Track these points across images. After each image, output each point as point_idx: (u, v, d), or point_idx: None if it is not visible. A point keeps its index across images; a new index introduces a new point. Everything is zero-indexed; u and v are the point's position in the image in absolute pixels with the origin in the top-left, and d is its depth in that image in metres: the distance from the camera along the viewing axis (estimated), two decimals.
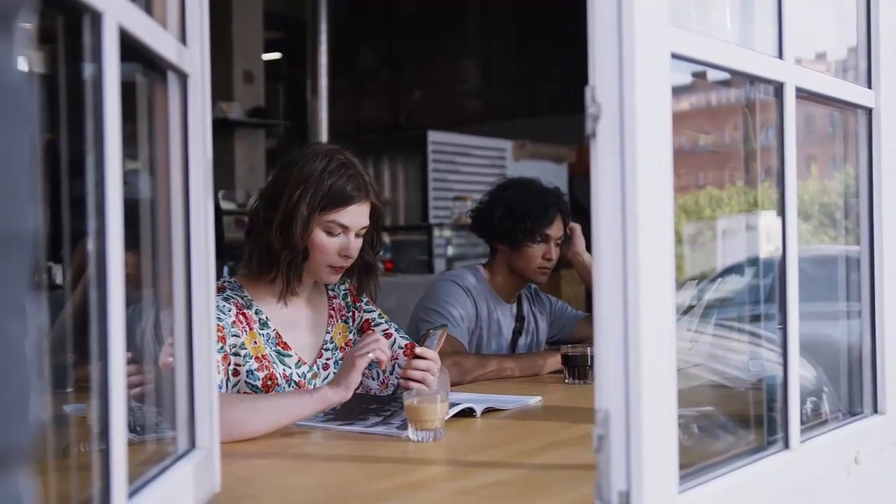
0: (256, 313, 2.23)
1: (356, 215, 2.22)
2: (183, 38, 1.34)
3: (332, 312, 2.40)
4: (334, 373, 2.31)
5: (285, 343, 2.25)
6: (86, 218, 1.01)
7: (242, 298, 2.22)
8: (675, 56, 1.24)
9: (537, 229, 2.96)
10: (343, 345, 2.38)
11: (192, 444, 1.36)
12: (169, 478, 1.23)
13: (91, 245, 1.01)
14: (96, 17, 0.98)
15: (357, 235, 2.24)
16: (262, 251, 2.21)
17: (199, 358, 1.37)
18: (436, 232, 7.45)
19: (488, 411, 2.16)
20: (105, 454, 1.00)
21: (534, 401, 2.34)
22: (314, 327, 2.35)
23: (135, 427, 1.34)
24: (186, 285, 1.36)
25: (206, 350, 1.38)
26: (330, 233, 2.20)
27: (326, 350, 2.34)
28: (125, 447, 1.02)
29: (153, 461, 1.27)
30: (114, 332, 1.00)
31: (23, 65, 0.55)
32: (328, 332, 2.37)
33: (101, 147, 0.99)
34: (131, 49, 1.10)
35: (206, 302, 1.38)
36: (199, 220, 1.36)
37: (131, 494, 1.07)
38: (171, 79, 1.33)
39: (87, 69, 1.00)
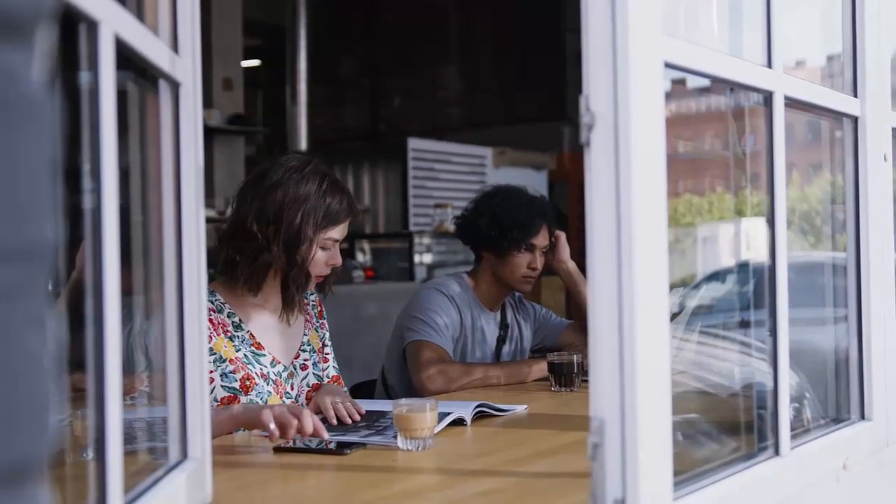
0: (229, 316, 2.26)
1: (345, 228, 2.32)
2: (175, 47, 1.33)
3: (308, 317, 2.46)
4: (313, 373, 2.40)
5: (259, 343, 2.29)
6: (79, 226, 1.00)
7: (213, 303, 2.24)
8: (668, 65, 1.25)
9: (523, 239, 2.96)
10: (317, 349, 2.45)
11: (185, 455, 1.35)
12: (162, 488, 1.22)
13: (86, 254, 1.00)
14: (92, 26, 0.98)
15: (340, 245, 2.34)
16: (261, 270, 2.25)
17: (191, 368, 1.36)
18: (416, 239, 7.43)
19: (479, 416, 2.17)
20: (101, 464, 0.99)
21: (520, 409, 2.34)
22: (291, 329, 2.39)
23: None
24: (178, 295, 1.35)
25: (198, 360, 1.37)
26: (324, 248, 2.28)
27: (304, 351, 2.39)
28: (121, 458, 1.01)
29: (145, 472, 1.27)
30: (109, 342, 0.99)
31: (41, 76, 0.55)
32: (305, 335, 2.42)
33: (97, 155, 0.99)
34: (124, 57, 1.09)
35: (197, 311, 1.37)
36: (190, 228, 1.35)
37: None
38: (163, 87, 1.32)
39: (83, 77, 1.00)
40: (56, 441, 0.59)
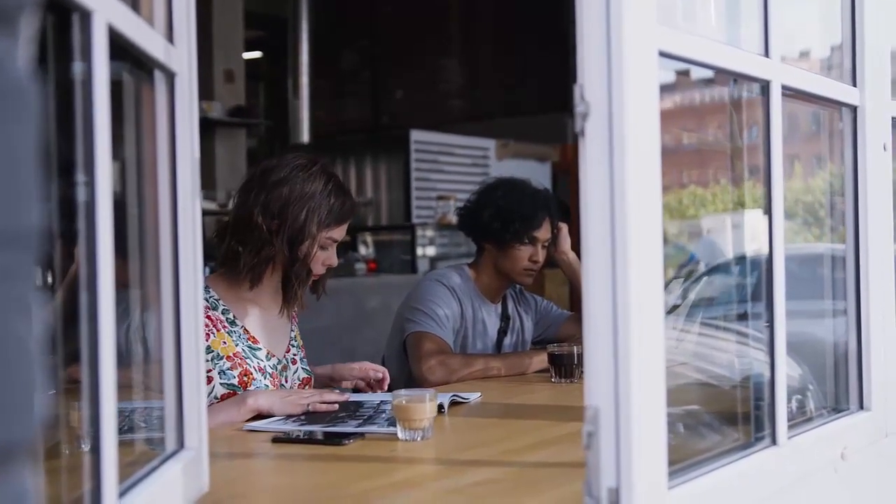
0: (223, 313, 2.27)
1: (344, 230, 2.35)
2: (170, 37, 1.33)
3: (294, 313, 2.49)
4: (302, 368, 2.43)
5: (254, 337, 2.31)
6: (73, 219, 1.00)
7: (207, 300, 2.25)
8: (662, 54, 1.24)
9: (525, 231, 2.95)
10: (301, 345, 2.49)
11: (181, 444, 1.35)
12: (158, 478, 1.22)
13: (80, 246, 1.00)
14: (86, 16, 0.98)
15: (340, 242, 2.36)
16: (263, 263, 2.27)
17: (187, 358, 1.36)
18: (419, 232, 7.43)
19: (454, 404, 2.21)
20: (96, 455, 0.99)
21: (475, 396, 2.35)
22: (280, 324, 2.41)
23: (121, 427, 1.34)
24: (174, 286, 1.35)
25: (194, 351, 1.37)
26: (323, 247, 2.30)
27: (293, 346, 2.42)
28: (116, 448, 1.01)
29: (142, 461, 1.27)
30: (104, 334, 0.99)
31: (26, 63, 0.55)
32: (292, 330, 2.46)
33: (90, 147, 0.99)
34: (118, 48, 1.09)
35: (193, 302, 1.37)
36: (186, 220, 1.35)
37: (121, 494, 1.07)
38: (158, 78, 1.32)
39: (76, 68, 1.00)
40: (43, 424, 0.59)
